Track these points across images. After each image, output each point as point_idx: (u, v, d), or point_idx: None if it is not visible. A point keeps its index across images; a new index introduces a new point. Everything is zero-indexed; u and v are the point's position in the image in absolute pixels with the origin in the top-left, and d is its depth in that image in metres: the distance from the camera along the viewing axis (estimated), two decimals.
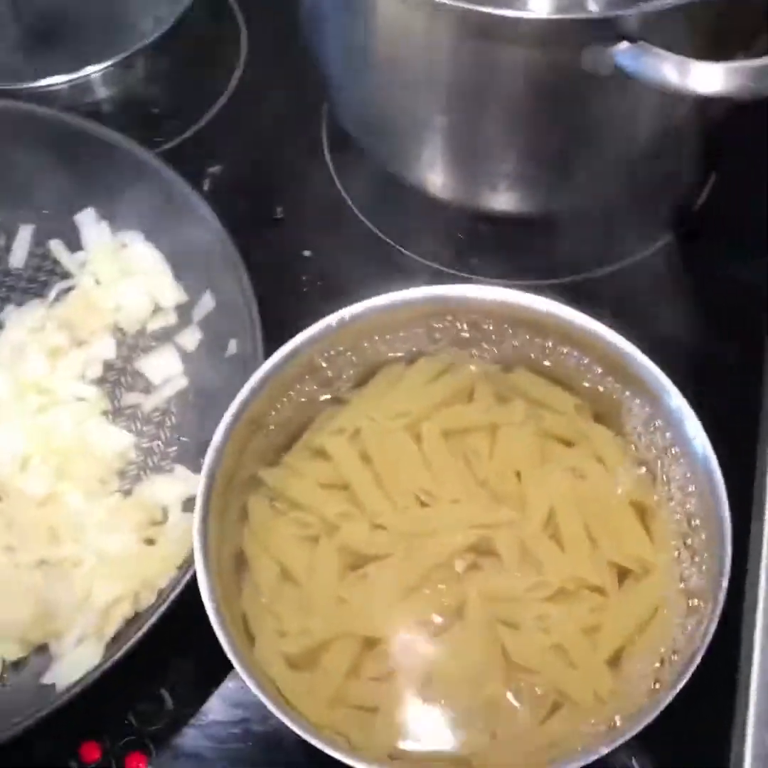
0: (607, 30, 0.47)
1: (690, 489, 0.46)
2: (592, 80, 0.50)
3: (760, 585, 0.52)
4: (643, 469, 0.49)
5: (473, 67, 0.52)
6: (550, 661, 0.45)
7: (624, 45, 0.47)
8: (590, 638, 0.45)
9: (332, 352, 0.49)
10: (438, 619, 0.46)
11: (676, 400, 0.46)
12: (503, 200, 0.61)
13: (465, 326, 0.50)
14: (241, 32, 0.74)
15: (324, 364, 0.49)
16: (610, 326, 0.50)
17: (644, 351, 0.49)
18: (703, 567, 0.44)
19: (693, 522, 0.46)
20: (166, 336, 0.61)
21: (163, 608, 0.48)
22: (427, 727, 0.44)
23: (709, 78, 0.48)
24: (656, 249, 0.63)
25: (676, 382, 0.48)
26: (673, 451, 0.47)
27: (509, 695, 0.44)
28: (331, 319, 0.48)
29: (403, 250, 0.64)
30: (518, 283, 0.60)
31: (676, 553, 0.46)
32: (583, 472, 0.49)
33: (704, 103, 0.55)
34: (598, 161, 0.58)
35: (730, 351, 0.60)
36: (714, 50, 0.49)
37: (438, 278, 0.62)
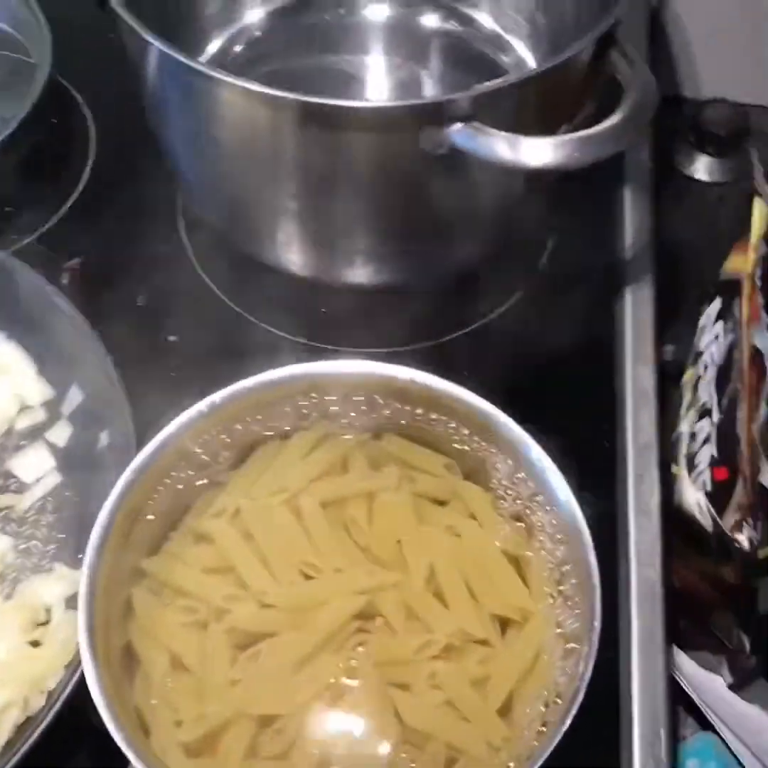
0: (440, 113, 0.50)
1: (558, 537, 0.48)
2: (432, 160, 0.53)
3: (632, 620, 0.54)
4: (514, 522, 0.51)
5: (317, 153, 0.55)
6: (442, 718, 0.46)
7: (457, 126, 0.50)
8: (480, 690, 0.47)
9: (206, 437, 0.50)
10: (332, 690, 0.47)
11: (537, 453, 0.49)
12: (360, 274, 0.63)
13: (334, 399, 0.51)
14: (89, 125, 0.75)
15: (198, 450, 0.50)
16: (470, 386, 0.52)
17: (504, 406, 0.51)
18: (576, 611, 0.47)
19: (564, 568, 0.48)
20: (35, 433, 0.60)
21: (54, 710, 0.48)
22: None
23: (539, 151, 0.51)
24: (508, 307, 0.66)
25: (536, 434, 0.51)
26: (539, 500, 0.50)
27: (404, 757, 0.45)
28: (202, 405, 0.49)
29: (268, 327, 0.65)
30: (382, 350, 0.63)
31: (550, 600, 0.48)
32: (457, 529, 0.51)
33: (537, 173, 0.58)
34: (446, 233, 0.61)
35: (584, 398, 0.63)
36: (541, 125, 0.53)
37: (305, 352, 0.64)
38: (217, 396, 0.49)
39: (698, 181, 0.81)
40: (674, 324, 0.70)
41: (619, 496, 0.59)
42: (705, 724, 0.59)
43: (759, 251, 0.49)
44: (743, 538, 0.48)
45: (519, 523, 0.51)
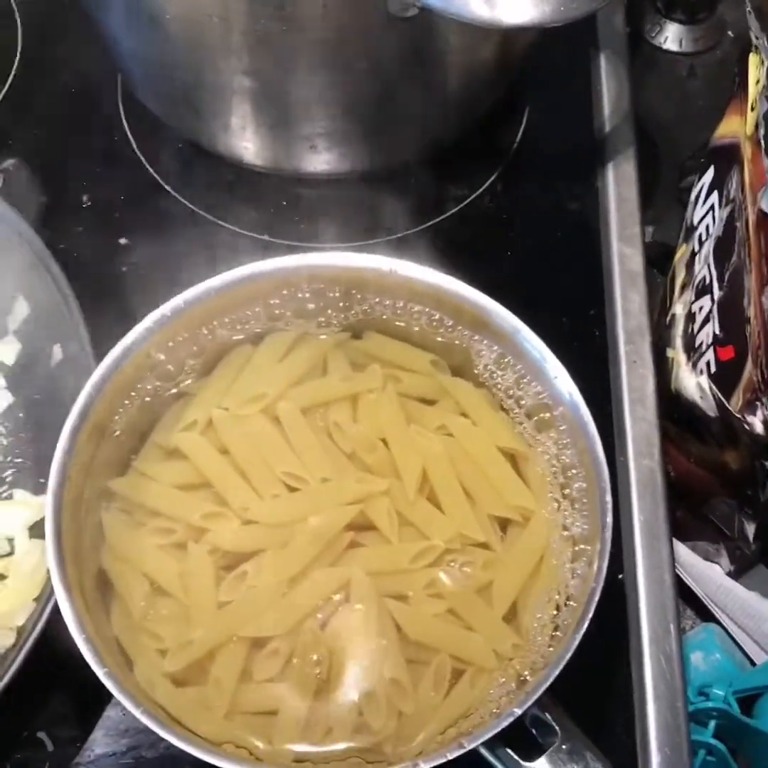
0: None
1: (565, 441, 0.45)
2: (400, 23, 0.48)
3: (633, 513, 0.52)
4: (506, 415, 0.47)
5: (272, 21, 0.50)
6: (445, 628, 0.44)
7: None
8: (483, 597, 0.44)
9: (170, 344, 0.46)
10: (326, 606, 0.44)
11: (533, 340, 0.46)
12: (323, 160, 0.58)
13: (308, 296, 0.47)
14: (13, 8, 0.67)
15: (163, 357, 0.46)
16: (451, 275, 0.48)
17: (489, 293, 0.48)
18: (585, 513, 0.44)
19: (569, 472, 0.45)
20: None
21: (26, 647, 0.44)
22: (331, 720, 0.42)
23: (517, 8, 0.46)
24: (483, 190, 0.62)
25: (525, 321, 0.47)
26: (542, 398, 0.46)
27: (409, 671, 0.43)
28: (165, 309, 0.45)
29: (227, 225, 0.60)
30: (352, 244, 0.59)
31: (555, 504, 0.45)
32: (449, 428, 0.48)
33: (511, 37, 0.54)
34: (414, 109, 0.56)
35: (570, 284, 0.59)
36: None
37: (269, 250, 0.59)
38: (180, 298, 0.45)
39: (668, 52, 0.76)
40: (653, 204, 0.66)
41: (612, 384, 0.56)
42: (705, 616, 0.58)
43: (759, 109, 0.45)
44: (756, 420, 0.45)
45: (510, 417, 0.47)
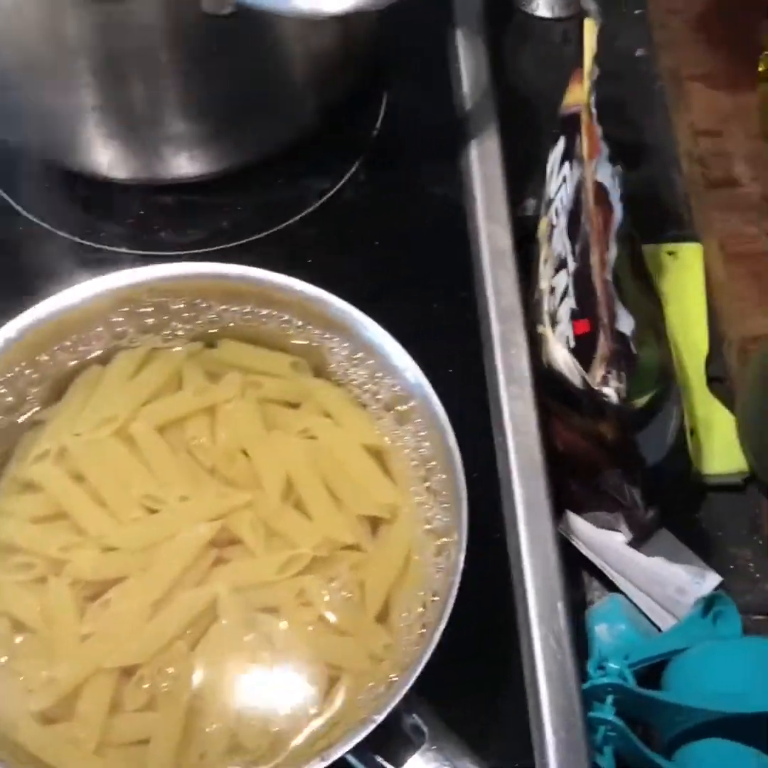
0: None
1: (422, 433, 0.45)
2: (220, 22, 0.47)
3: (514, 493, 0.51)
4: (368, 412, 0.47)
5: (103, 30, 0.49)
6: (317, 637, 0.43)
7: None
8: (355, 599, 0.43)
9: (9, 375, 0.45)
10: (195, 628, 0.43)
11: (381, 336, 0.45)
12: (176, 166, 0.57)
13: (151, 310, 0.46)
14: None
15: (2, 390, 0.45)
16: (315, 273, 0.48)
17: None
18: (445, 505, 0.43)
19: (429, 464, 0.45)
20: None
21: None
22: (205, 744, 0.41)
23: None
24: (345, 182, 0.61)
25: (392, 313, 0.46)
26: (395, 390, 0.45)
27: (283, 685, 0.42)
28: None
29: (84, 241, 0.59)
30: (215, 249, 0.58)
31: (418, 498, 0.44)
32: (312, 431, 0.47)
33: (350, 23, 0.53)
34: (259, 105, 0.55)
35: (441, 266, 0.58)
36: None
37: (128, 263, 0.57)
38: (10, 328, 0.44)
39: (541, 19, 0.75)
40: (532, 176, 0.65)
41: (487, 365, 0.55)
42: (612, 586, 0.57)
43: (592, 76, 0.44)
44: (610, 391, 0.44)
45: (371, 413, 0.46)
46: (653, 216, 0.68)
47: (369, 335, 0.45)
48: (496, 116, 0.61)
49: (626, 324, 0.41)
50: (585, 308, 0.46)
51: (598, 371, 0.45)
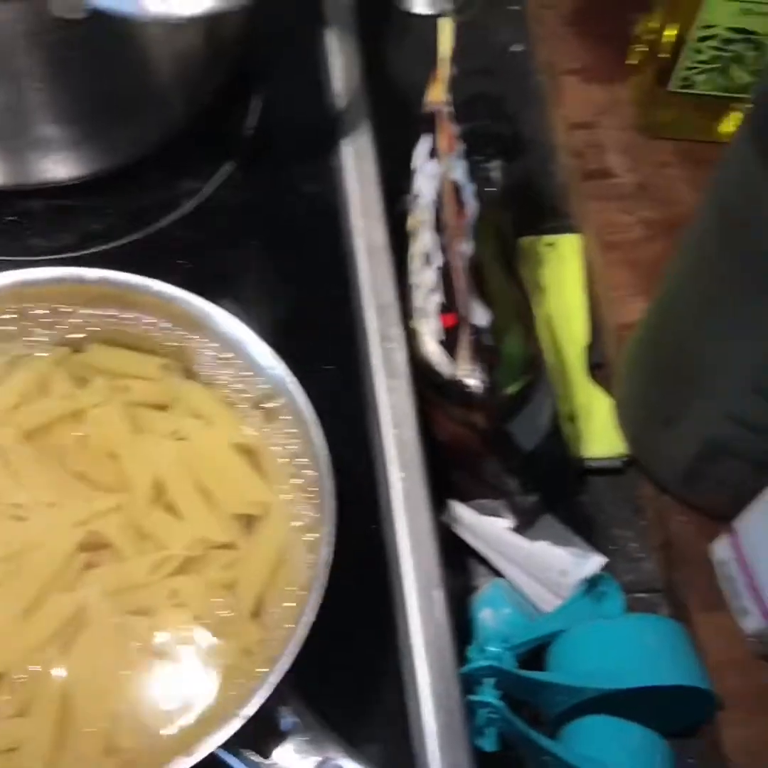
0: None
1: (292, 430, 0.45)
2: (74, 26, 0.46)
3: (391, 485, 0.52)
4: (237, 411, 0.47)
5: None
6: (192, 635, 0.43)
7: None
8: (229, 597, 0.44)
9: None
10: (65, 633, 0.43)
11: (246, 335, 0.45)
12: (44, 170, 0.56)
13: (8, 318, 0.45)
14: None
15: None
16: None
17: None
18: (315, 501, 0.43)
19: (297, 460, 0.45)
20: None
21: None
22: (80, 747, 0.41)
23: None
24: (219, 182, 0.61)
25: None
26: (261, 387, 0.46)
27: (156, 685, 0.42)
28: None
29: None
30: (87, 253, 0.57)
31: (289, 496, 0.45)
32: (182, 432, 0.47)
33: (214, 23, 0.53)
34: (126, 107, 0.55)
35: (316, 265, 0.59)
36: None
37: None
38: None
39: (418, 16, 0.76)
40: (408, 172, 0.66)
41: (363, 360, 0.56)
42: (498, 572, 0.58)
43: (446, 75, 0.45)
44: (474, 383, 0.45)
45: (240, 412, 0.46)
46: (533, 209, 0.70)
47: (234, 334, 0.45)
48: (370, 113, 0.62)
49: (482, 317, 0.42)
50: (451, 302, 0.47)
51: (463, 363, 0.45)
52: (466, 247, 0.42)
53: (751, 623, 0.52)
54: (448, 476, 0.58)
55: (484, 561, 0.58)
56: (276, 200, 0.60)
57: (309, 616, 0.39)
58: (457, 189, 0.43)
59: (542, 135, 0.73)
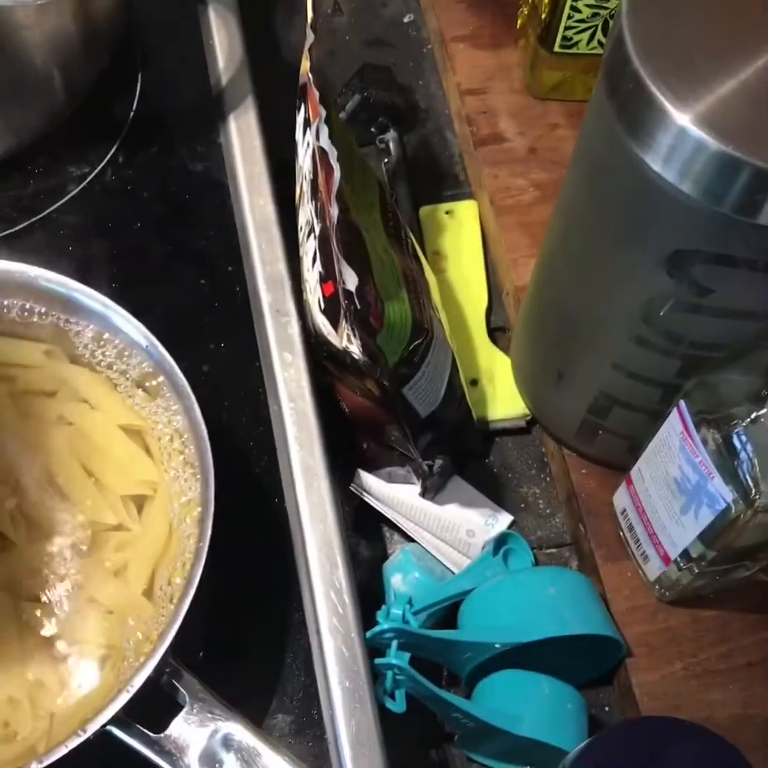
0: None
1: (174, 407, 0.45)
2: None
3: (291, 458, 0.52)
4: (124, 394, 0.47)
5: None
6: (87, 618, 0.43)
7: None
8: (121, 578, 0.44)
9: None
10: None
11: (122, 314, 0.45)
12: None
13: None
14: None
15: None
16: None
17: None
18: (198, 475, 0.44)
19: (184, 436, 0.45)
20: None
21: None
22: None
23: None
24: (103, 165, 0.60)
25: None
26: (144, 366, 0.46)
27: (53, 668, 0.42)
28: None
29: None
30: None
31: (175, 472, 0.45)
32: (69, 417, 0.47)
33: (89, 7, 0.52)
34: (1, 93, 0.54)
35: (206, 242, 0.59)
36: None
37: None
38: None
39: None
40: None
41: (258, 335, 0.56)
42: (411, 538, 0.59)
43: (308, 41, 0.45)
44: (355, 349, 0.46)
45: (124, 393, 0.46)
46: (431, 178, 0.70)
47: (109, 314, 0.45)
48: (253, 88, 0.61)
49: (351, 281, 0.42)
50: (329, 270, 0.47)
51: (343, 331, 0.46)
52: (334, 211, 0.42)
53: (652, 569, 0.54)
54: (357, 446, 0.58)
55: (397, 528, 0.59)
56: (163, 180, 0.60)
57: (192, 589, 0.39)
58: (323, 154, 0.43)
59: (437, 103, 0.73)
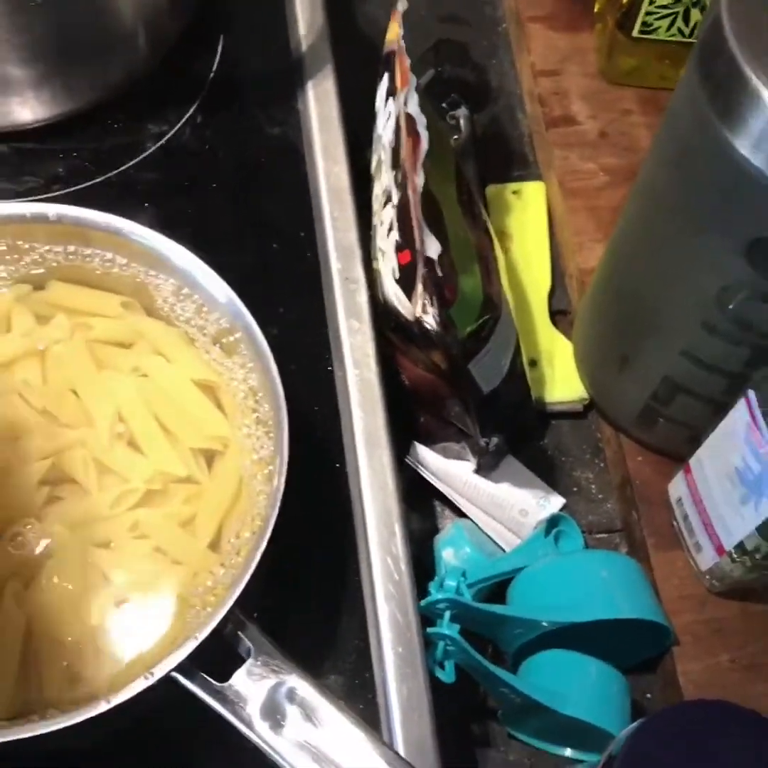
0: None
1: (250, 365, 0.45)
2: None
3: (354, 424, 0.53)
4: (199, 349, 0.47)
5: None
6: (152, 567, 0.44)
7: None
8: (188, 529, 0.44)
9: None
10: (29, 565, 0.43)
11: (203, 269, 0.46)
12: (8, 112, 0.57)
13: None
14: None
15: None
16: (149, 218, 0.48)
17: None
18: (271, 434, 0.44)
19: (258, 395, 0.45)
20: None
21: None
22: (43, 678, 0.42)
23: None
24: (182, 124, 0.61)
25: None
26: (221, 323, 0.46)
27: (117, 614, 0.43)
28: None
29: None
30: (52, 195, 0.57)
31: (246, 429, 0.45)
32: (144, 369, 0.47)
33: None
34: (87, 47, 0.55)
35: (279, 206, 0.59)
36: None
37: None
38: None
39: None
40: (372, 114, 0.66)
41: (326, 301, 0.56)
42: (462, 514, 0.59)
43: (401, 7, 0.45)
44: (429, 319, 0.46)
45: (203, 349, 0.47)
46: (499, 156, 0.70)
47: (192, 271, 0.45)
48: (332, 58, 0.62)
49: (433, 248, 0.43)
50: (407, 239, 0.47)
51: (418, 300, 0.46)
52: (420, 180, 0.43)
53: (705, 559, 0.54)
54: (414, 419, 0.58)
55: (448, 502, 0.59)
56: (240, 142, 0.60)
57: (263, 543, 0.40)
58: (411, 121, 0.43)
59: (508, 83, 0.73)
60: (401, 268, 0.48)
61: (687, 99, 0.43)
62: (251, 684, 0.39)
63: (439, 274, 0.43)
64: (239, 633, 0.39)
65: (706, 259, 0.45)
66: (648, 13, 0.63)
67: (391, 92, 0.51)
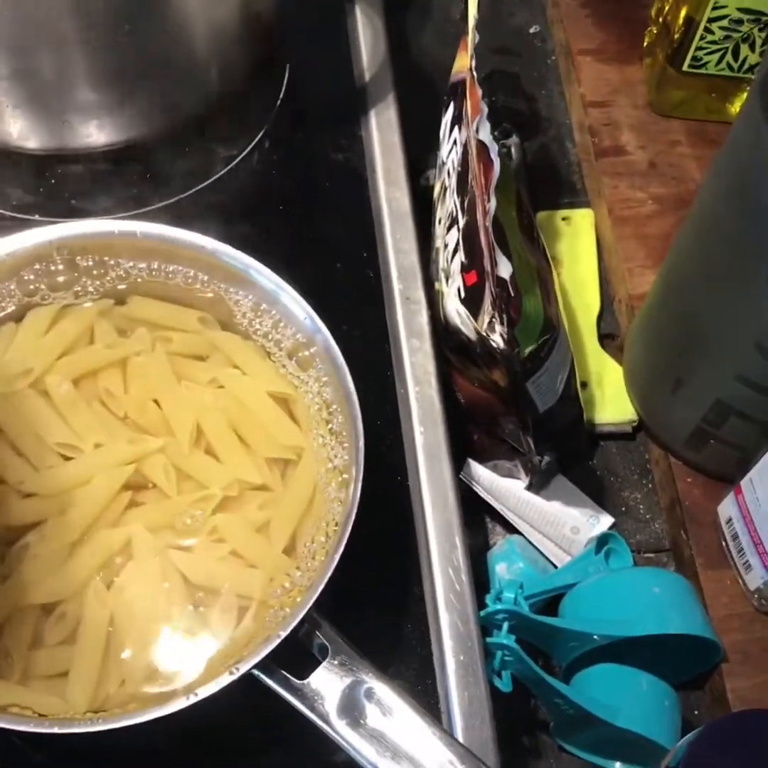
0: None
1: (324, 379, 0.47)
2: None
3: (416, 439, 0.54)
4: (275, 363, 0.49)
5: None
6: (228, 569, 0.45)
7: None
8: (263, 534, 0.46)
9: None
10: (111, 565, 0.45)
11: (283, 286, 0.48)
12: (85, 134, 0.59)
13: (61, 268, 0.48)
14: None
15: None
16: (223, 236, 0.50)
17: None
18: (345, 444, 0.46)
19: (332, 407, 0.47)
20: None
21: None
22: (123, 672, 0.43)
23: None
24: (250, 149, 0.63)
25: (292, 276, 0.49)
26: (298, 338, 0.48)
27: (196, 615, 0.44)
28: None
29: None
30: (124, 215, 0.59)
31: (321, 439, 0.47)
32: (220, 381, 0.49)
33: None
34: (166, 75, 0.57)
35: (342, 229, 0.61)
36: None
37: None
38: None
39: None
40: (432, 145, 0.68)
41: (388, 321, 0.58)
42: (513, 529, 0.61)
43: (474, 40, 0.47)
44: (497, 337, 0.48)
45: (277, 363, 0.49)
46: (549, 184, 0.72)
47: (270, 286, 0.47)
48: (394, 87, 0.64)
49: (505, 269, 0.45)
50: (473, 260, 0.49)
51: (485, 318, 0.48)
52: (492, 204, 0.45)
53: (754, 579, 0.55)
54: (468, 437, 0.60)
55: (499, 518, 0.61)
56: (305, 168, 0.62)
57: (341, 547, 0.41)
58: (483, 148, 0.45)
59: (557, 113, 0.75)
60: (467, 288, 0.50)
61: (748, 128, 0.45)
62: (329, 682, 0.40)
63: (512, 293, 0.45)
64: (317, 632, 0.41)
65: (762, 285, 0.46)
66: (698, 49, 0.65)
67: (458, 120, 0.53)
